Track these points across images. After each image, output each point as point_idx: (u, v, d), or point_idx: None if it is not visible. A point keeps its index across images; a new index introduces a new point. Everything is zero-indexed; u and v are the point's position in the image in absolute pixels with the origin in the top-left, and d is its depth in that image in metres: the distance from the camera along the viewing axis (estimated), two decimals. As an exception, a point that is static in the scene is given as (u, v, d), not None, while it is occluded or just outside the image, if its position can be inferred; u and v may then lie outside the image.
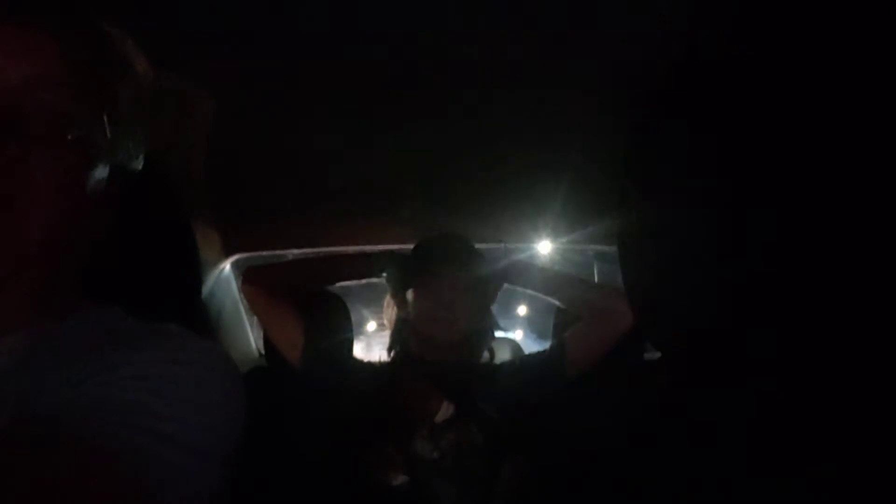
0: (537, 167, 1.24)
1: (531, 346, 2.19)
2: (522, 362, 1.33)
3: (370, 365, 1.33)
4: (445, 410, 1.20)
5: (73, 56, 0.46)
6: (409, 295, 1.31)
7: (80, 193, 0.47)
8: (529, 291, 1.38)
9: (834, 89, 0.34)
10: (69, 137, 0.45)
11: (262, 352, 1.50)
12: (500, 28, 0.82)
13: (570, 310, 1.34)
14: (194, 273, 0.84)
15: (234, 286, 1.53)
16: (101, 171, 0.49)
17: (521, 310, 2.61)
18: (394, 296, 1.37)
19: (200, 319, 1.24)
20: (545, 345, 1.37)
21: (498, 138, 1.12)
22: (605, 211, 1.33)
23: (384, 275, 1.38)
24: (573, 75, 0.93)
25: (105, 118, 0.48)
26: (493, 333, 1.39)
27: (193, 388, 0.46)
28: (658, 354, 1.43)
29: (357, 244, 1.51)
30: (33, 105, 0.43)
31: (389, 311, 1.46)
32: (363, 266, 1.39)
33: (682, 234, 0.39)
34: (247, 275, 1.35)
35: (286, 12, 0.77)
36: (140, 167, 0.55)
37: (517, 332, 2.65)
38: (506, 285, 1.38)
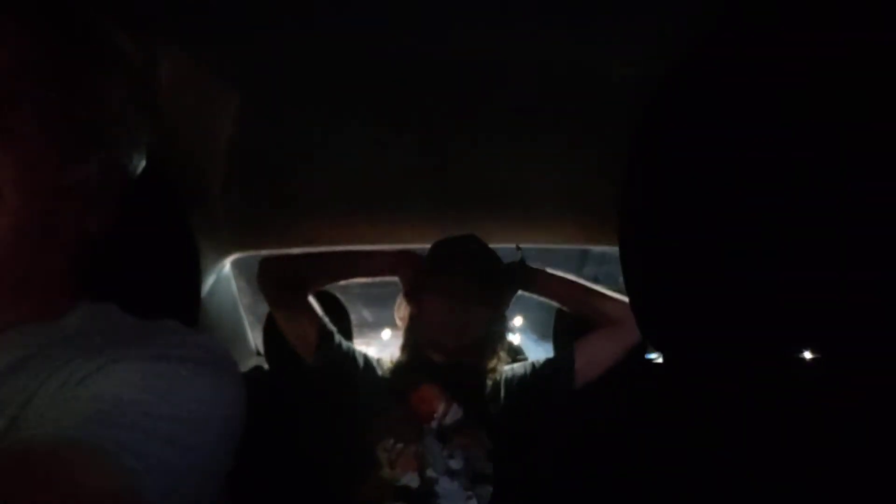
0: (547, 169, 1.24)
1: (531, 347, 2.19)
2: (531, 369, 1.32)
3: (382, 364, 1.33)
4: (455, 413, 1.21)
5: (51, 44, 0.45)
6: (423, 295, 1.30)
7: (60, 184, 0.46)
8: (543, 299, 1.38)
9: (834, 90, 0.34)
10: (46, 125, 0.44)
11: (262, 351, 1.50)
12: (507, 28, 0.82)
13: (583, 319, 1.33)
14: (194, 272, 0.84)
15: (233, 285, 1.53)
16: (85, 163, 0.48)
17: (517, 321, 2.60)
18: (406, 295, 1.37)
19: (200, 319, 1.24)
20: (546, 346, 1.37)
21: (507, 139, 1.12)
22: (608, 213, 1.33)
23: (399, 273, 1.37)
24: (581, 75, 0.93)
25: (86, 109, 0.47)
26: (505, 338, 1.38)
27: (191, 385, 0.45)
28: (659, 355, 1.43)
29: (360, 244, 1.50)
30: (8, 92, 0.43)
31: (402, 310, 1.45)
32: (379, 263, 1.38)
33: (683, 236, 0.39)
34: (263, 265, 1.34)
35: (290, 10, 0.77)
36: (139, 164, 0.55)
37: (515, 335, 2.65)
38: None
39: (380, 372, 1.30)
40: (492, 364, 1.32)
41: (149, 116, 0.54)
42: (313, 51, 0.85)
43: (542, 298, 1.38)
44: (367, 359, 1.32)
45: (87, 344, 0.47)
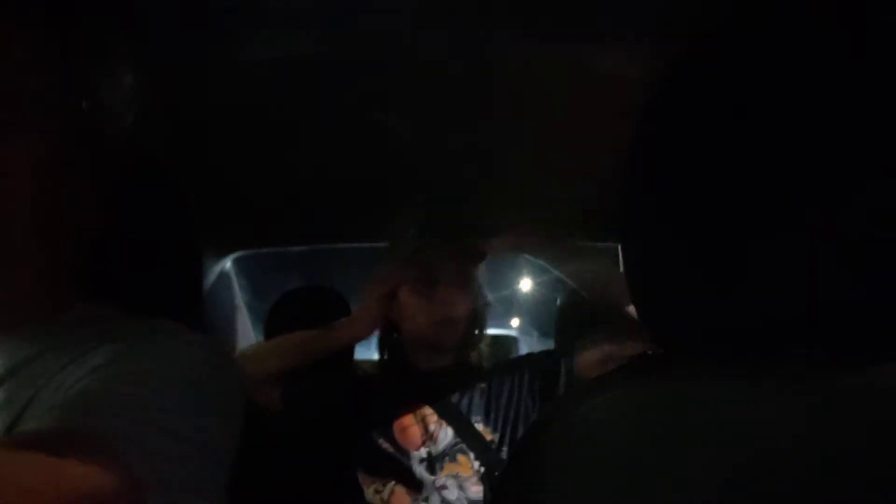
0: (537, 166, 1.23)
1: (532, 343, 2.18)
2: (523, 379, 1.24)
3: (363, 368, 1.30)
4: (444, 436, 1.17)
5: (48, 42, 0.45)
6: (402, 294, 1.21)
7: (59, 181, 0.46)
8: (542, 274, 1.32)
9: (833, 89, 0.34)
10: (43, 122, 0.44)
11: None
12: (501, 27, 0.82)
13: (596, 310, 1.25)
14: (195, 271, 0.84)
15: (234, 283, 1.53)
16: (83, 158, 0.48)
17: (514, 322, 2.58)
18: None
19: (201, 317, 1.24)
20: (547, 344, 1.34)
21: (505, 136, 1.12)
22: (605, 209, 1.33)
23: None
24: (574, 73, 0.93)
25: (83, 105, 0.47)
26: (483, 331, 1.31)
27: (190, 383, 0.46)
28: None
29: (362, 242, 1.50)
30: (5, 89, 0.43)
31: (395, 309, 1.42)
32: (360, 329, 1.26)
33: (685, 232, 0.39)
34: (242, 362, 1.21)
35: (283, 4, 0.76)
36: (133, 158, 0.55)
37: (513, 321, 2.62)
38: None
39: (361, 396, 1.24)
40: (474, 360, 1.26)
41: (139, 110, 0.54)
42: (306, 48, 0.85)
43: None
44: (345, 389, 1.26)
45: (84, 346, 0.47)
